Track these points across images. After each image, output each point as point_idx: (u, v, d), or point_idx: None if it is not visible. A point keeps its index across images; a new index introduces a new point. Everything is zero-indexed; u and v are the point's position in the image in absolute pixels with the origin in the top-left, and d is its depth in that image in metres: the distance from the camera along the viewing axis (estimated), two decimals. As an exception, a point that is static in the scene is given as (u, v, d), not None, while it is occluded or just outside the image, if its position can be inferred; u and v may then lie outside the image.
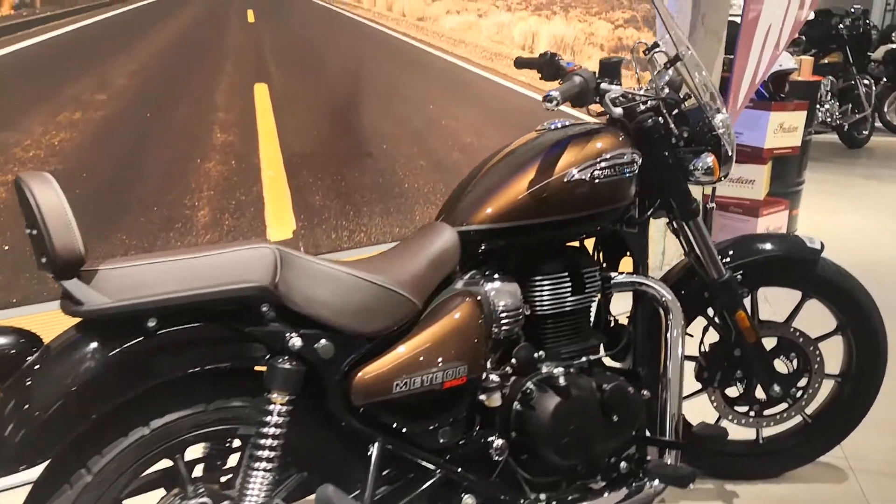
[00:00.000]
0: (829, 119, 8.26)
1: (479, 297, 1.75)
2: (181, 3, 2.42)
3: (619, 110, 1.84)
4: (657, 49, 2.11)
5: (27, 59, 2.23)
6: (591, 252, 2.07)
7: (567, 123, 2.01)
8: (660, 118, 1.98)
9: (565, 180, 1.83)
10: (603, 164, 1.87)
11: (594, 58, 3.50)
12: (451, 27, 3.04)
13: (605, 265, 2.10)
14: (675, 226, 2.14)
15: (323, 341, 1.48)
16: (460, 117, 3.12)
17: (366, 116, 2.93)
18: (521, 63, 2.21)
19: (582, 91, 1.81)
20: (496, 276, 1.83)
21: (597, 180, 1.85)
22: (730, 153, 2.03)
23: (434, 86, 3.04)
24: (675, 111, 2.01)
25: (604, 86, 1.88)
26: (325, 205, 2.90)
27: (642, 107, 1.99)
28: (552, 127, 2.01)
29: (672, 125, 1.99)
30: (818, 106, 7.93)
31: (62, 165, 2.35)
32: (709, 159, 2.00)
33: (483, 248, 1.83)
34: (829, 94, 8.24)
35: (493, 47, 3.18)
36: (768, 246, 2.25)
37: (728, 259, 2.20)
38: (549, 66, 2.11)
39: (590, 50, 3.48)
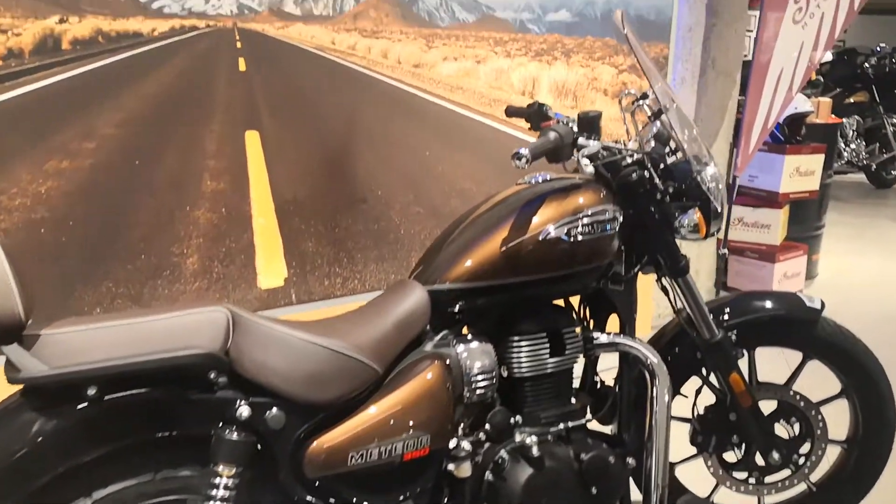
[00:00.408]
0: (855, 159, 8.10)
1: (447, 360, 1.68)
2: (171, 52, 2.42)
3: (590, 168, 1.78)
4: (644, 100, 2.05)
5: (15, 108, 2.24)
6: (577, 309, 2.00)
7: (549, 177, 1.95)
8: (645, 172, 1.92)
9: (541, 238, 1.77)
10: (583, 222, 1.80)
11: (597, 102, 3.45)
12: (449, 73, 3.01)
13: (590, 324, 2.02)
14: (664, 283, 2.05)
15: (274, 410, 1.42)
16: (458, 163, 3.08)
17: (360, 163, 2.90)
18: (510, 112, 2.17)
19: (556, 147, 1.76)
20: (469, 336, 1.77)
21: (575, 238, 1.79)
22: (718, 209, 1.95)
23: (430, 132, 3.01)
24: (662, 165, 1.94)
25: (581, 141, 1.82)
26: (318, 251, 2.86)
27: (628, 160, 1.93)
28: (533, 181, 1.95)
29: (657, 180, 1.92)
30: (844, 145, 7.78)
31: (49, 213, 2.34)
32: (694, 216, 1.92)
33: (457, 307, 1.76)
34: (856, 133, 8.09)
35: (492, 93, 3.14)
36: (765, 304, 2.15)
37: (723, 317, 2.11)
38: (536, 115, 2.07)
39: (592, 95, 3.43)
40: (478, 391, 1.71)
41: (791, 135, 4.66)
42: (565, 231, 1.79)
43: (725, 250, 4.16)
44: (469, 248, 1.78)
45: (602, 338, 1.91)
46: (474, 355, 1.73)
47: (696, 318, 2.03)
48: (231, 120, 2.59)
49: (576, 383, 1.96)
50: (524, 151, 1.65)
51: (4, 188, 2.27)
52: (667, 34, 3.57)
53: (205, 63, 2.50)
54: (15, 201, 2.30)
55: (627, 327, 1.99)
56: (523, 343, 1.81)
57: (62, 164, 2.35)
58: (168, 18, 2.40)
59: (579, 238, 1.80)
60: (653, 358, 1.89)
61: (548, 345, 1.81)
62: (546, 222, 1.79)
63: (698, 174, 1.94)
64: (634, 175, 1.93)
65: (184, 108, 2.49)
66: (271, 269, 2.77)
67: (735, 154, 4.10)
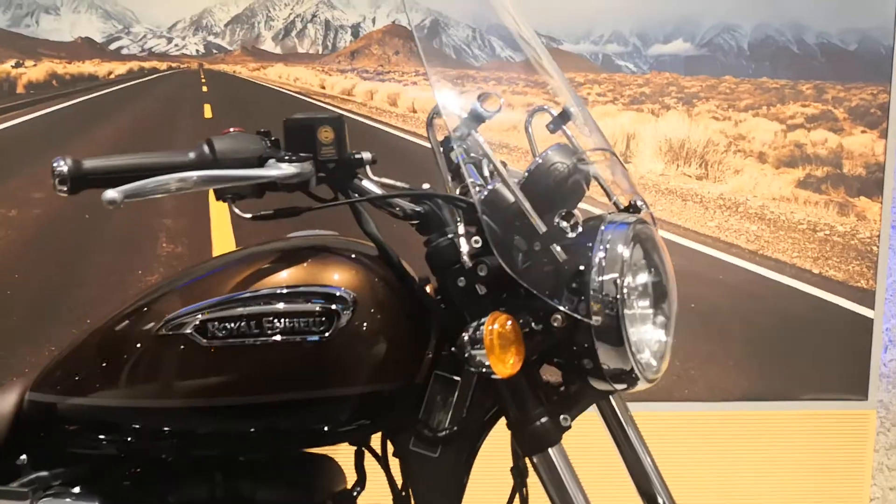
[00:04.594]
0: None
1: None
2: (132, 95, 2.20)
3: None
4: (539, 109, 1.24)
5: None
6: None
7: (320, 233, 1.19)
8: (460, 238, 1.05)
9: (159, 333, 1.04)
10: (235, 311, 1.03)
11: (746, 171, 2.34)
12: (486, 127, 2.28)
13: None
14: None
15: None
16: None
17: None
18: None
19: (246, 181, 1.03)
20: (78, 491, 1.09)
21: (215, 338, 1.02)
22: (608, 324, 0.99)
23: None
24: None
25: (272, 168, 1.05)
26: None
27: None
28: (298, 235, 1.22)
29: (463, 250, 1.05)
30: None
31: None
32: (491, 327, 0.99)
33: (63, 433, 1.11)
34: None
35: (559, 153, 2.30)
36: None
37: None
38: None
39: (736, 160, 2.34)
40: None
41: None
42: (197, 322, 1.03)
43: None
44: (90, 334, 1.13)
45: None
46: None
47: None
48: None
49: None
50: (116, 192, 0.96)
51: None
52: (886, 71, 2.31)
53: (165, 108, 2.22)
54: (-36, 248, 2.23)
55: None
56: None
57: (10, 212, 2.23)
58: (126, 61, 2.20)
59: (223, 341, 1.02)
60: None
61: None
62: (191, 302, 1.04)
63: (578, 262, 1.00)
64: (443, 241, 1.09)
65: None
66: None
67: None
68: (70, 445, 1.12)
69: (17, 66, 2.19)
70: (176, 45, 2.19)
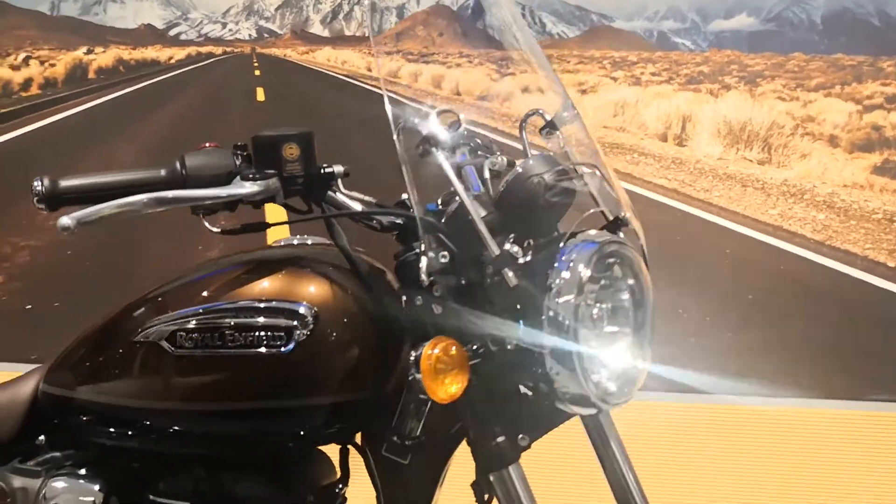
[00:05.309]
0: None
1: (6, 491, 1.14)
2: (190, 79, 2.30)
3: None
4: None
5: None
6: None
7: (301, 241, 1.21)
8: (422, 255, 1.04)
9: (135, 340, 1.09)
10: (201, 320, 1.06)
11: (815, 156, 2.17)
12: (533, 108, 2.23)
13: None
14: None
15: None
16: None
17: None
18: None
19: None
20: (83, 472, 1.17)
21: (182, 348, 1.06)
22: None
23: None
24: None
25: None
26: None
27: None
28: (284, 243, 1.24)
29: (422, 270, 1.03)
30: None
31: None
32: (431, 351, 0.98)
33: (68, 422, 1.19)
34: None
35: (608, 135, 2.22)
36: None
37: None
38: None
39: (804, 143, 2.17)
40: None
41: None
42: (167, 332, 1.06)
43: None
44: (87, 333, 1.20)
45: None
46: (64, 498, 1.14)
47: None
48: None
49: None
50: (71, 218, 1.00)
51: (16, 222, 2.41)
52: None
53: (220, 93, 2.31)
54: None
55: None
56: None
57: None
58: (184, 46, 2.29)
59: (189, 351, 1.06)
60: None
61: None
62: (165, 312, 1.09)
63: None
64: (410, 256, 1.08)
65: (193, 141, 2.32)
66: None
67: None
68: (76, 433, 1.21)
69: (88, 52, 2.33)
70: (230, 30, 2.26)
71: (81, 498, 1.14)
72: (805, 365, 2.22)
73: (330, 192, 1.10)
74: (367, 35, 2.28)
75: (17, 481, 1.18)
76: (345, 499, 1.21)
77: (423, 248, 1.00)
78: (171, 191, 1.01)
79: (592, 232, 1.05)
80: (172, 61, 2.28)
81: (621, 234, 1.14)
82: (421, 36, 2.23)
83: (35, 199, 1.03)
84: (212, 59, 2.29)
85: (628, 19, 2.19)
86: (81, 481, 1.17)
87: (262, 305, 1.03)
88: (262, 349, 1.01)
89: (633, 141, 2.21)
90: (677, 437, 2.19)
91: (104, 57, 2.32)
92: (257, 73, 2.26)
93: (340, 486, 1.20)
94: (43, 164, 2.38)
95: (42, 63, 2.34)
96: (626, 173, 2.22)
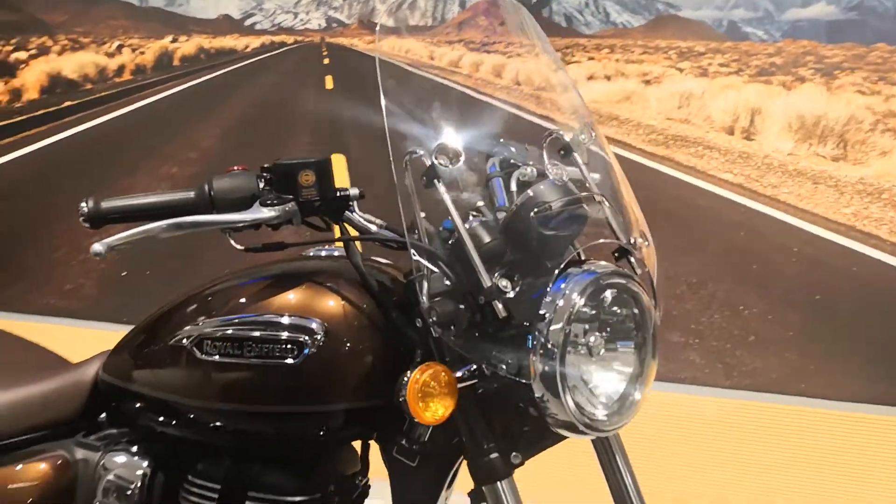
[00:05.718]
0: None
1: (78, 466, 1.30)
2: (264, 68, 2.41)
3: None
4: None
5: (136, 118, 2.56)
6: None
7: (333, 253, 1.28)
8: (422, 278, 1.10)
9: (170, 343, 1.21)
10: (233, 332, 1.16)
11: (894, 154, 2.04)
12: (596, 98, 2.20)
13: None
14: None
15: None
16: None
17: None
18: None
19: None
20: (136, 449, 1.32)
21: (211, 356, 1.16)
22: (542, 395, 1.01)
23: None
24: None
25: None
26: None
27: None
28: (314, 253, 1.32)
29: (422, 294, 1.10)
30: None
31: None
32: (418, 376, 1.03)
33: (123, 407, 1.34)
34: None
35: (672, 127, 2.17)
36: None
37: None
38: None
39: (887, 142, 2.05)
40: None
41: None
42: (196, 338, 1.17)
43: None
44: (136, 330, 1.33)
45: None
46: (118, 471, 1.30)
47: None
48: (316, 142, 2.43)
49: None
50: (101, 245, 1.11)
51: (130, 188, 2.62)
52: None
53: (292, 81, 2.41)
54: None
55: None
56: (195, 489, 1.27)
57: (172, 169, 2.58)
58: (259, 35, 2.39)
59: (213, 357, 1.16)
60: None
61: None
62: (195, 320, 1.20)
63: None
64: (417, 277, 1.14)
65: (269, 126, 2.44)
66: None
67: None
68: (129, 416, 1.35)
69: (174, 41, 2.47)
70: (300, 20, 2.34)
71: (133, 471, 1.29)
72: (868, 370, 2.14)
73: (347, 213, 1.17)
74: (430, 24, 2.31)
75: (80, 453, 1.34)
76: (366, 489, 1.30)
77: (415, 271, 1.06)
78: (193, 216, 1.10)
79: (595, 262, 1.06)
80: (248, 50, 2.39)
81: (633, 260, 1.15)
82: (483, 25, 2.23)
83: (81, 218, 1.15)
84: (284, 48, 2.38)
85: (696, 8, 2.10)
86: (134, 458, 1.31)
87: (279, 320, 1.12)
88: (276, 360, 1.10)
89: (698, 134, 2.15)
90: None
91: (187, 45, 2.46)
92: (326, 61, 2.34)
93: (361, 477, 1.29)
94: (150, 139, 2.57)
95: (133, 51, 2.51)
96: (689, 167, 2.16)
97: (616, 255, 1.15)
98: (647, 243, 1.19)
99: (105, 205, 1.14)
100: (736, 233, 2.16)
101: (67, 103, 2.59)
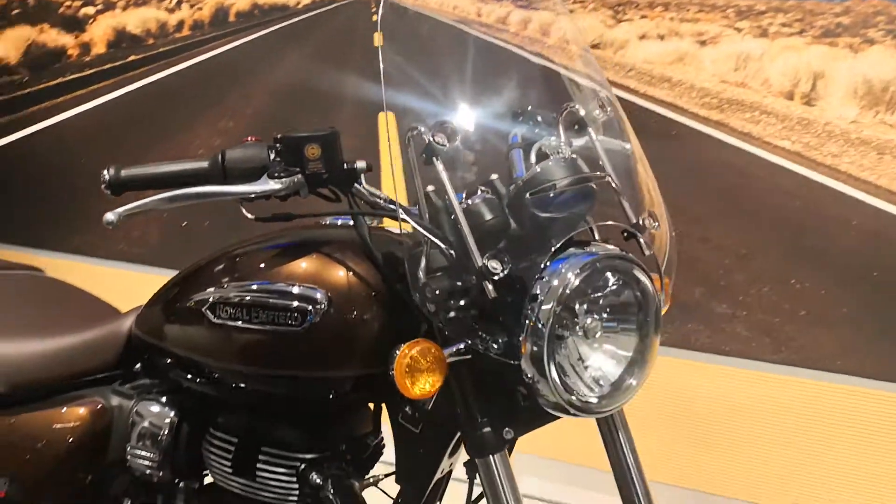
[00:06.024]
0: None
1: (113, 412, 1.41)
2: (315, 24, 2.43)
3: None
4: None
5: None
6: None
7: (349, 222, 1.31)
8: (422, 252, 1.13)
9: (188, 305, 1.27)
10: (240, 298, 1.21)
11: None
12: (647, 58, 2.12)
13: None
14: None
15: None
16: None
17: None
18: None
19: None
20: (165, 399, 1.42)
21: (221, 319, 1.22)
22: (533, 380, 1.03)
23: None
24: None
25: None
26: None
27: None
28: (331, 221, 1.35)
29: (420, 269, 1.12)
30: None
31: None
32: (407, 351, 1.06)
33: (155, 361, 1.43)
34: None
35: (726, 91, 2.06)
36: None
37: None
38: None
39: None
40: (137, 459, 1.38)
41: None
42: (210, 302, 1.23)
43: None
44: (162, 289, 1.40)
45: None
46: (149, 418, 1.40)
47: None
48: (362, 99, 2.44)
49: None
50: (113, 214, 1.16)
51: (190, 140, 2.71)
52: None
53: (342, 37, 2.41)
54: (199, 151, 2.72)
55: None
56: (216, 442, 1.36)
57: (229, 123, 2.65)
58: (310, -10, 2.40)
59: (224, 321, 1.22)
60: None
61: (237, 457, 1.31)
62: (210, 284, 1.26)
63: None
64: (418, 251, 1.17)
65: (318, 86, 2.46)
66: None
67: None
68: (158, 368, 1.44)
69: (229, -4, 2.51)
70: (352, -25, 2.33)
71: (163, 420, 1.38)
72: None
73: (356, 185, 1.18)
74: (479, -20, 2.25)
75: (115, 400, 1.44)
76: (379, 449, 1.35)
77: (408, 249, 1.07)
78: (198, 187, 1.14)
79: (599, 244, 1.05)
80: (300, 6, 2.40)
81: (641, 239, 1.13)
82: (532, -19, 2.17)
83: (103, 185, 1.21)
84: (335, 4, 2.38)
85: (759, -37, 1.98)
86: (164, 407, 1.40)
87: (287, 288, 1.16)
88: (282, 326, 1.15)
89: (755, 98, 2.04)
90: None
91: (242, 1, 2.49)
92: (375, 17, 2.33)
93: (373, 437, 1.34)
94: (209, 94, 2.65)
95: (191, 6, 2.56)
96: (744, 132, 2.06)
97: (625, 235, 1.13)
98: (656, 224, 1.16)
99: (125, 173, 1.20)
100: (791, 203, 2.06)
101: (132, 58, 2.68)
